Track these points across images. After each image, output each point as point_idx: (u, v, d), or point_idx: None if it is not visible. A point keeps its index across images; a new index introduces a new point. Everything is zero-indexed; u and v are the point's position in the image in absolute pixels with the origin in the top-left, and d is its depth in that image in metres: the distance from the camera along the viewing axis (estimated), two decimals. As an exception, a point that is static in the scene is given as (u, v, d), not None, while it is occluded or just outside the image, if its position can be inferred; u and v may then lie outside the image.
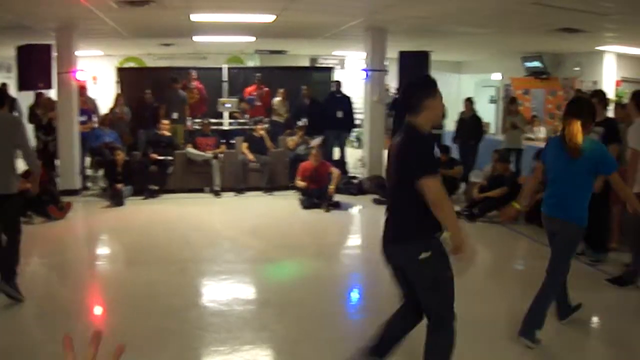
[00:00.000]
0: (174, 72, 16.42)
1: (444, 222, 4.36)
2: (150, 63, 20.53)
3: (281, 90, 15.93)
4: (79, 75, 13.19)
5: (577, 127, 5.38)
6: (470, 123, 13.84)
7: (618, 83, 15.73)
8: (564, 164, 5.53)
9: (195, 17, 11.51)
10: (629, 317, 6.58)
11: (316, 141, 13.80)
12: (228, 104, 15.34)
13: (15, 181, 6.69)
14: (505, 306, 6.78)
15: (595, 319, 6.70)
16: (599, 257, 8.32)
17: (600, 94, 8.50)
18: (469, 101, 14.13)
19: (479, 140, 14.03)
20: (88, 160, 14.20)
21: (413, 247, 4.42)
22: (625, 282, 7.37)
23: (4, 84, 15.45)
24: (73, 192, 12.61)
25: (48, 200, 10.53)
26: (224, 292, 7.31)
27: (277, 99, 15.87)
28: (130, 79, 17.20)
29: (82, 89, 14.33)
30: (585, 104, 5.77)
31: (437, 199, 4.19)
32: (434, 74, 13.77)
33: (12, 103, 15.35)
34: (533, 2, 9.05)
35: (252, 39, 15.48)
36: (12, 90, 14.88)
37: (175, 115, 14.90)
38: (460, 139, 13.93)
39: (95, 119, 14.43)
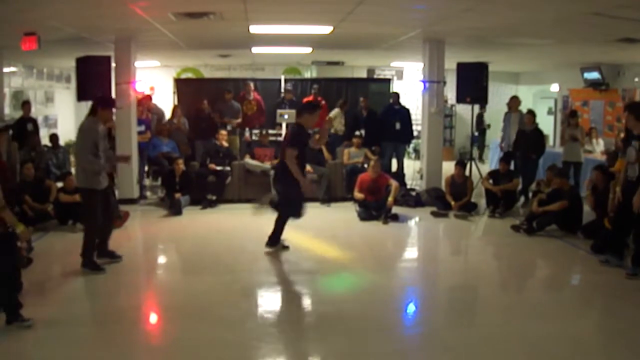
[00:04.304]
0: (229, 84, 16.56)
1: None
2: (208, 74, 20.77)
3: (340, 101, 15.90)
4: (138, 86, 13.35)
5: None
6: (532, 136, 13.54)
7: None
8: None
9: (254, 29, 11.56)
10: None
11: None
12: (286, 115, 15.37)
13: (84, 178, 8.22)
14: (563, 324, 6.64)
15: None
16: (637, 271, 8.14)
17: (632, 108, 8.41)
18: (530, 113, 13.81)
19: (540, 155, 13.69)
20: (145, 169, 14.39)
21: None
22: None
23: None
24: (131, 201, 12.75)
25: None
26: (281, 303, 7.30)
27: (335, 111, 15.81)
28: (188, 89, 17.36)
29: (144, 99, 14.50)
30: None
31: None
32: (492, 85, 13.86)
33: None
34: (594, 12, 8.89)
35: (309, 49, 15.50)
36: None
37: (229, 127, 15.00)
38: (521, 152, 13.64)
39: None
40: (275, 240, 9.43)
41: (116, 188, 11.77)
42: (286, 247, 9.55)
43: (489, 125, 20.63)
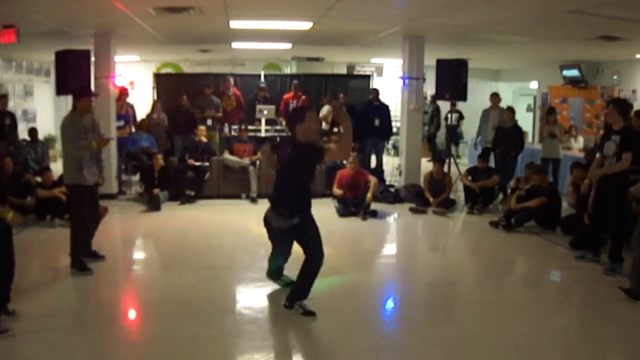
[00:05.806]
0: (209, 79, 16.53)
1: None
2: (188, 69, 20.70)
3: (329, 97, 15.93)
4: (117, 81, 13.30)
5: None
6: (511, 133, 13.59)
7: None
8: None
9: (234, 24, 11.53)
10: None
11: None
12: (265, 110, 15.34)
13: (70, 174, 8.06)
14: (541, 320, 6.69)
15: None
16: (614, 267, 8.22)
17: (617, 102, 8.54)
18: (509, 110, 13.83)
19: (519, 151, 13.78)
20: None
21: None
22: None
23: None
24: (110, 197, 12.64)
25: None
26: (259, 299, 7.28)
27: (326, 108, 15.75)
28: (167, 84, 17.29)
29: (122, 94, 14.44)
30: None
31: None
32: (471, 81, 13.89)
33: None
34: (574, 10, 8.93)
35: (289, 45, 15.49)
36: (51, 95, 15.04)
37: (209, 122, 14.98)
38: (500, 149, 13.70)
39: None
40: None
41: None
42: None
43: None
